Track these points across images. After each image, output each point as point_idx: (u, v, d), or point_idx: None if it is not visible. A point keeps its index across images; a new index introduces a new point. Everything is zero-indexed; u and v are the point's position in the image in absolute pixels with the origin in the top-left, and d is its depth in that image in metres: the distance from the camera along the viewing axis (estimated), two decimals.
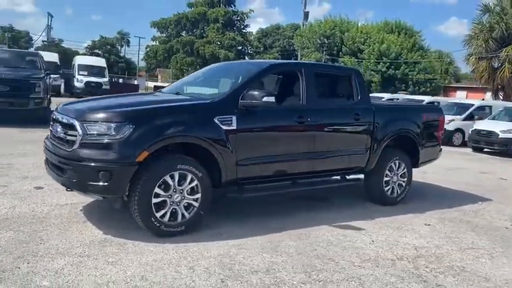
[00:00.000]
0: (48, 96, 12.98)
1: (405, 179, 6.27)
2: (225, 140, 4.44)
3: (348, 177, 5.85)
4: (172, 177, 4.17)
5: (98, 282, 3.25)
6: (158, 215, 4.14)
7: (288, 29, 56.18)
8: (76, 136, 4.04)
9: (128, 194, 4.13)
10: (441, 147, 6.94)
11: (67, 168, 4.09)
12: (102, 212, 4.90)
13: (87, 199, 4.97)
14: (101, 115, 4.07)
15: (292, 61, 5.66)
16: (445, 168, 10.55)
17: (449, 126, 16.85)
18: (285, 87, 5.69)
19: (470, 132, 15.73)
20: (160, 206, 4.17)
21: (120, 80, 55.62)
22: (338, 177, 5.80)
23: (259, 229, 4.67)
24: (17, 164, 7.02)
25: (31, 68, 12.99)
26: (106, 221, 4.59)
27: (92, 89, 25.02)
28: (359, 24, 38.18)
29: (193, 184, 4.31)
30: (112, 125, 3.95)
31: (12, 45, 62.92)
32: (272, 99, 4.59)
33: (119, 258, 3.69)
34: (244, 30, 51.18)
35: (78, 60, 30.34)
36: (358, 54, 35.44)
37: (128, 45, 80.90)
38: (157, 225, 4.14)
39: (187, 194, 4.30)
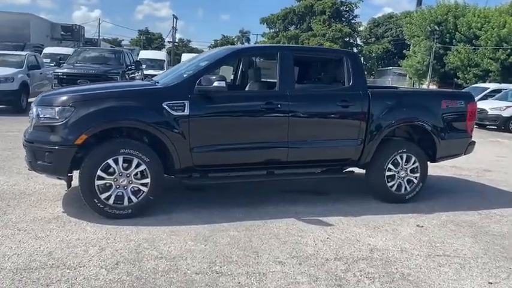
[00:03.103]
0: None
1: (417, 175, 5.54)
2: (175, 126, 4.42)
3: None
4: (116, 161, 4.28)
5: (6, 253, 3.49)
6: (103, 196, 4.29)
7: (402, 17, 52.93)
8: (33, 119, 4.38)
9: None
10: (473, 139, 5.98)
11: (26, 148, 4.45)
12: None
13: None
14: (49, 100, 4.36)
15: (268, 45, 5.24)
16: None
17: None
18: (258, 72, 5.43)
19: None
20: (106, 188, 4.32)
21: None
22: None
23: (216, 218, 4.55)
24: None
25: (114, 64, 14.28)
26: (76, 201, 4.87)
27: None
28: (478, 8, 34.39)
29: (140, 169, 4.37)
30: (56, 109, 4.20)
31: (147, 47, 69.61)
32: (223, 84, 4.43)
33: (48, 235, 3.91)
34: (353, 21, 49.62)
35: (184, 57, 32.43)
36: (474, 41, 31.99)
37: (249, 43, 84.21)
38: (101, 206, 4.29)
39: (135, 179, 4.38)
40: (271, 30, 53.10)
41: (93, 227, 4.14)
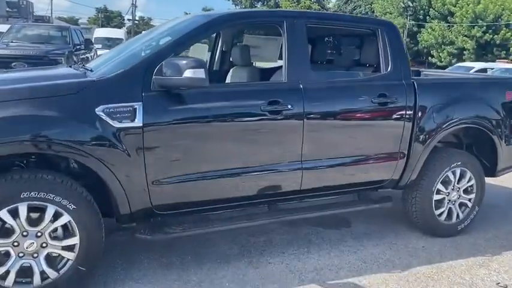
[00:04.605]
0: None
1: (472, 196, 3.95)
2: (118, 146, 2.59)
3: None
4: (13, 212, 2.43)
5: None
6: None
7: None
8: None
9: None
10: None
11: None
12: None
13: None
14: None
15: (267, 10, 3.60)
16: None
17: None
18: (247, 52, 3.65)
19: None
20: (1, 258, 2.47)
21: None
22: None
23: None
24: None
25: (59, 43, 12.03)
26: None
27: None
28: None
29: (61, 222, 2.54)
30: None
31: (106, 25, 65.71)
32: (201, 74, 2.61)
33: None
34: None
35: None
36: (449, 18, 30.97)
37: None
38: None
39: (53, 239, 2.55)
40: (236, 7, 50.67)
41: None
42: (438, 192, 3.81)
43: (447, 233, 3.92)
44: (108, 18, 79.63)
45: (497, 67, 17.58)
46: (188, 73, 2.59)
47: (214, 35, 4.49)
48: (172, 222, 2.96)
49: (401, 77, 3.52)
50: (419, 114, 3.54)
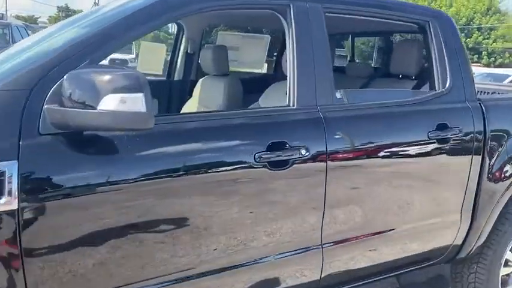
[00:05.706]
0: None
1: None
2: None
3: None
4: None
5: None
6: None
7: None
8: None
9: None
10: None
11: None
12: None
13: None
14: None
15: None
16: None
17: None
18: (224, 56, 2.38)
19: None
20: None
21: None
22: None
23: None
24: None
25: None
26: None
27: None
28: None
29: None
30: None
31: None
32: (138, 103, 1.26)
33: None
34: None
35: None
36: None
37: None
38: None
39: None
40: None
41: None
42: (506, 263, 2.61)
43: None
44: (70, 17, 77.30)
45: (478, 72, 16.86)
46: (111, 102, 1.24)
47: (176, 30, 3.16)
48: None
49: (464, 97, 2.27)
50: (491, 151, 2.32)
